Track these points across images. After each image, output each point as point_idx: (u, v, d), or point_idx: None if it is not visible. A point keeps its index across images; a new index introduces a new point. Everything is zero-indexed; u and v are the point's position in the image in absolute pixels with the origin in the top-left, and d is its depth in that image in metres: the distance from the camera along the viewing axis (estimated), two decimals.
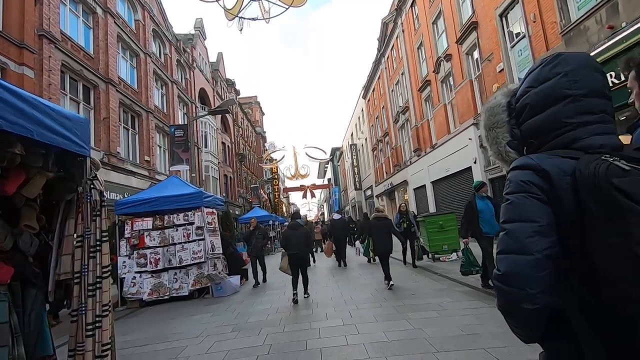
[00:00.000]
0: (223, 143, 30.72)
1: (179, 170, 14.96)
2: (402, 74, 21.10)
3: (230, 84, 36.17)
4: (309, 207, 74.31)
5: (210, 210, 7.38)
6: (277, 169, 47.62)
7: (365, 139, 34.54)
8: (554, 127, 0.84)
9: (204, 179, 23.69)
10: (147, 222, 7.07)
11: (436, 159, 16.74)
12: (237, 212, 30.21)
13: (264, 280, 8.46)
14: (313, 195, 48.34)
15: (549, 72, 0.86)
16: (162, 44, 19.56)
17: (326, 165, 73.60)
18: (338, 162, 60.23)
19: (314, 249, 12.12)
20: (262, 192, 41.61)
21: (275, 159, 32.89)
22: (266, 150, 35.92)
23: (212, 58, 32.86)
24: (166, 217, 7.21)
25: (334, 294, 6.65)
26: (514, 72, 10.44)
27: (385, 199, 28.50)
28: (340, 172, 59.21)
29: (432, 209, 17.73)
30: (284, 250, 6.55)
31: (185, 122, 21.18)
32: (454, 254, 8.87)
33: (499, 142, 0.96)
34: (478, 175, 12.73)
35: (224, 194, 28.40)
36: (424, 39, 16.96)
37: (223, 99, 31.93)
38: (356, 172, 38.78)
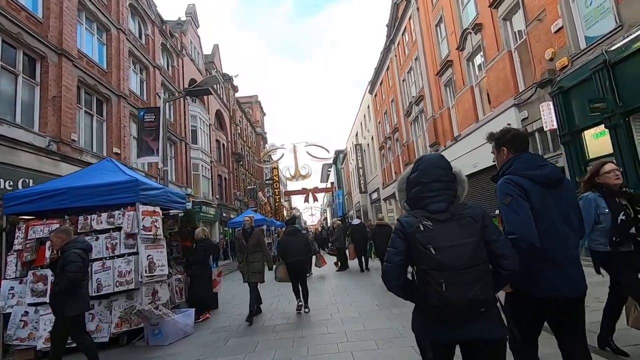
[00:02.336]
0: (217, 141, 28.30)
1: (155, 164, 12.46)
2: (415, 59, 18.58)
3: (227, 78, 33.82)
4: (312, 212, 71.76)
5: (152, 209, 4.85)
6: (277, 172, 45.22)
7: (372, 138, 31.98)
8: (417, 198, 1.68)
9: (192, 178, 21.22)
10: (51, 227, 4.54)
11: (459, 154, 14.11)
12: (232, 216, 27.69)
13: (257, 309, 5.78)
14: (315, 199, 45.78)
15: (416, 168, 1.75)
16: (143, 23, 17.20)
17: (329, 169, 71.18)
18: (342, 165, 57.71)
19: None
20: (261, 195, 39.08)
21: (274, 158, 30.37)
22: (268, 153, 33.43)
23: (208, 51, 30.62)
24: (81, 218, 4.69)
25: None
26: (579, 30, 7.87)
27: (394, 202, 25.83)
28: (344, 175, 56.64)
29: None
30: (280, 259, 6.06)
31: (171, 112, 18.85)
32: None
33: (401, 200, 1.85)
34: None
35: (217, 196, 25.90)
36: (445, 12, 14.44)
37: (218, 94, 29.58)
38: (361, 174, 36.18)
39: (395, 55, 22.34)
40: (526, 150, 2.04)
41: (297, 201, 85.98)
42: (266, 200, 42.76)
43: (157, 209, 4.99)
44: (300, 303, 5.68)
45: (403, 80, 21.29)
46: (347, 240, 11.51)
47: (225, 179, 29.27)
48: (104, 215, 4.69)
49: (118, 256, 4.56)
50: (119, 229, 4.62)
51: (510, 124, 10.31)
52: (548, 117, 8.19)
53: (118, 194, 4.68)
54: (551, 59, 8.58)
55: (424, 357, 1.60)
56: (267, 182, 44.17)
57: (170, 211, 6.48)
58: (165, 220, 6.56)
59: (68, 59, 10.82)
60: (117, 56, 13.93)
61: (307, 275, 6.25)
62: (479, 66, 12.68)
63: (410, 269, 1.62)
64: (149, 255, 4.63)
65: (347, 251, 11.28)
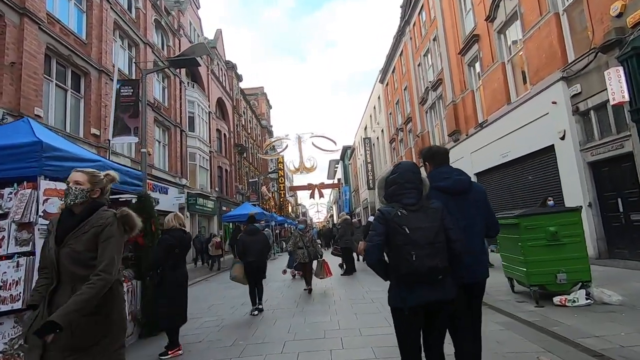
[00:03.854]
0: (219, 130, 26.76)
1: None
2: (434, 39, 16.71)
3: (231, 66, 32.22)
4: (318, 209, 70.26)
5: (64, 187, 3.28)
6: (283, 166, 43.70)
7: (382, 130, 30.14)
8: (394, 194, 2.10)
9: (188, 167, 19.70)
10: None
11: (484, 142, 12.30)
12: (232, 210, 26.18)
13: (260, 303, 5.79)
14: (321, 195, 44.03)
15: (394, 171, 2.17)
16: None
17: (336, 165, 69.44)
18: (349, 160, 55.93)
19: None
20: (265, 189, 37.52)
21: (278, 150, 28.73)
22: (271, 144, 31.71)
23: (210, 36, 29.04)
24: None
25: None
26: None
27: None
28: (352, 172, 54.87)
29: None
30: (236, 259, 6.08)
31: (165, 95, 17.27)
32: (581, 291, 4.51)
33: (380, 196, 2.25)
34: (568, 158, 8.27)
35: (216, 188, 24.40)
36: None
37: (220, 81, 28.03)
38: (370, 169, 34.34)
39: (410, 38, 20.45)
40: (445, 164, 2.40)
41: (303, 198, 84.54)
42: (270, 195, 41.22)
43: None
44: (255, 312, 5.58)
45: (418, 65, 19.41)
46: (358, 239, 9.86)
47: (226, 170, 27.76)
48: None
49: (3, 257, 2.96)
50: (4, 215, 3.04)
51: (555, 102, 8.49)
52: (617, 87, 6.36)
53: (9, 164, 3.09)
54: (619, 15, 6.74)
55: (395, 321, 2.06)
56: (271, 175, 42.57)
57: (121, 196, 4.88)
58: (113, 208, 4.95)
59: (33, 21, 9.27)
60: (99, 27, 12.38)
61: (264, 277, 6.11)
62: (513, 36, 10.82)
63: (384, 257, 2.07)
64: None
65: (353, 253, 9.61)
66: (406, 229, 1.90)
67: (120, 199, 4.93)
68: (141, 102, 9.33)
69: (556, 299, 4.56)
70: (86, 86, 11.65)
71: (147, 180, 14.88)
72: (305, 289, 7.20)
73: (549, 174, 9.22)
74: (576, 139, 8.11)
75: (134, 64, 15.03)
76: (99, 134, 11.82)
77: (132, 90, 9.53)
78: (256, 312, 5.55)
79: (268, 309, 5.78)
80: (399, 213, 1.96)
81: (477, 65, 13.01)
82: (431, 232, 1.91)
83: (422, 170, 2.30)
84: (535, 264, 4.65)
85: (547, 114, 8.88)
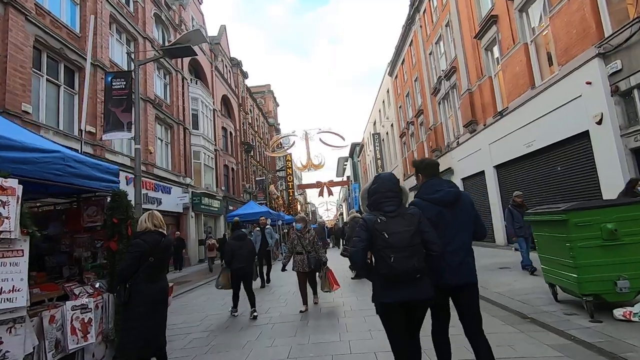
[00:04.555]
0: (224, 129, 26.22)
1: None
2: (446, 25, 15.75)
3: (236, 63, 31.61)
4: (327, 207, 69.43)
5: (8, 185, 2.57)
6: (291, 164, 43.08)
7: (391, 125, 29.19)
8: (375, 203, 2.30)
9: (192, 166, 19.15)
10: None
11: (505, 132, 11.37)
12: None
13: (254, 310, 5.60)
14: (330, 193, 43.28)
15: (375, 182, 2.38)
16: None
17: (345, 163, 68.51)
18: (358, 157, 55.03)
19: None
20: (273, 188, 36.91)
21: (285, 147, 28.08)
22: (278, 141, 31.01)
23: (213, 33, 28.48)
24: None
25: None
26: None
27: None
28: (361, 169, 53.97)
29: (495, 204, 12.34)
30: (224, 266, 5.89)
31: (167, 92, 16.68)
32: None
33: (363, 204, 2.63)
34: (607, 144, 7.33)
35: (222, 187, 23.84)
36: None
37: (225, 78, 27.44)
38: (379, 165, 33.41)
39: (421, 26, 19.49)
40: (436, 176, 2.58)
41: (312, 196, 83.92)
42: (279, 194, 40.61)
43: (11, 182, 2.69)
44: (235, 313, 5.67)
45: (430, 54, 18.45)
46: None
47: (232, 169, 27.21)
48: None
49: None
50: None
51: (590, 83, 7.55)
52: None
53: None
54: None
55: (381, 316, 2.28)
56: (279, 174, 41.97)
57: (94, 194, 4.21)
58: (84, 208, 4.30)
59: (18, 11, 8.73)
60: (95, 20, 11.80)
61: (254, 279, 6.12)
62: (537, 15, 9.86)
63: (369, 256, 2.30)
64: None
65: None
66: (385, 234, 2.12)
67: (92, 198, 4.27)
68: (134, 95, 8.76)
69: (617, 312, 3.71)
70: (80, 81, 11.10)
71: (149, 180, 14.45)
72: (301, 311, 5.52)
73: (582, 164, 8.27)
74: (616, 122, 7.16)
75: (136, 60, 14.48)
76: (94, 130, 11.29)
77: (124, 83, 8.89)
78: (236, 314, 5.67)
79: (268, 322, 5.05)
80: (378, 220, 2.19)
81: (496, 49, 12.04)
82: (407, 235, 2.10)
83: (418, 178, 2.69)
84: (588, 269, 3.80)
85: (580, 96, 7.93)
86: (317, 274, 6.01)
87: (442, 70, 16.58)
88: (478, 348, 2.27)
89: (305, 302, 5.71)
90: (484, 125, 12.84)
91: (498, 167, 12.21)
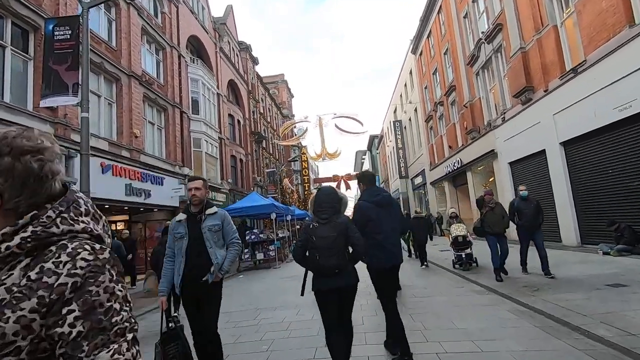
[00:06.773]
0: (231, 116, 24.06)
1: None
2: None
3: (244, 47, 29.35)
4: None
5: None
6: (306, 157, 40.74)
7: (415, 110, 26.27)
8: (316, 210, 2.95)
9: (192, 155, 17.03)
10: None
11: (580, 96, 8.52)
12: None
13: None
14: (348, 187, 40.65)
15: (317, 194, 3.01)
16: None
17: (363, 157, 65.57)
18: (377, 150, 52.15)
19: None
20: (287, 182, 34.64)
21: (296, 134, 25.68)
22: (290, 127, 28.58)
23: (218, 13, 26.31)
24: None
25: None
26: None
27: (447, 186, 20.20)
28: (380, 161, 51.10)
29: (562, 192, 9.49)
30: (151, 270, 6.06)
31: (159, 69, 14.42)
32: None
33: (310, 212, 3.05)
34: None
35: (229, 180, 21.72)
36: None
37: (230, 60, 25.21)
38: (401, 155, 30.59)
39: None
40: (373, 183, 3.52)
41: None
42: (294, 189, 38.34)
43: None
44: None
45: (465, 16, 15.52)
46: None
47: (240, 160, 25.05)
48: None
49: None
50: None
51: None
52: None
53: None
54: None
55: (317, 301, 2.80)
56: (293, 167, 39.70)
57: None
58: None
59: None
60: None
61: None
62: None
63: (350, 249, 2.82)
64: None
65: None
66: (314, 238, 2.73)
67: None
68: (82, 47, 6.58)
69: None
70: (37, 44, 9.02)
71: (133, 168, 12.21)
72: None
73: None
74: None
75: (113, 26, 12.38)
76: (54, 107, 9.19)
77: (69, 33, 6.65)
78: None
79: None
80: (311, 226, 2.80)
81: None
82: (330, 240, 2.70)
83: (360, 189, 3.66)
84: None
85: None
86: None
87: (482, 32, 13.67)
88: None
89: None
90: (545, 90, 9.95)
91: (567, 144, 9.34)
